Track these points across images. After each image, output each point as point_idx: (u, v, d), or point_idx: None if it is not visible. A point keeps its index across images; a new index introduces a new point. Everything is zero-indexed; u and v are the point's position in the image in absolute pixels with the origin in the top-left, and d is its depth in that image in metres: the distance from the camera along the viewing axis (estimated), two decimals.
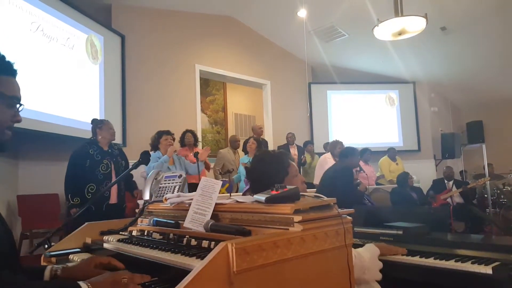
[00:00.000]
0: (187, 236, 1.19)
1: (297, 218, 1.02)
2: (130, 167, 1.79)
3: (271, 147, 6.60)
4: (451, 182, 5.80)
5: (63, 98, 4.31)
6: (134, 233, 1.44)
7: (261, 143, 5.32)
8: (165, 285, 0.99)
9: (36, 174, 4.28)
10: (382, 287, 1.44)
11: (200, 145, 5.94)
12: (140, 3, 5.57)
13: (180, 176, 1.72)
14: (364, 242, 1.56)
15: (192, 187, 3.67)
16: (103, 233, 1.56)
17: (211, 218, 1.23)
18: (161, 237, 1.30)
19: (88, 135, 3.38)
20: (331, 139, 6.18)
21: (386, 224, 1.98)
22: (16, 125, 1.07)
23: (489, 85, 7.63)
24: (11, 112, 1.03)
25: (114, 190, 3.21)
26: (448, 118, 8.54)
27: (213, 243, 1.06)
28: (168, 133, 3.95)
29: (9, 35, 3.64)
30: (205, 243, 1.09)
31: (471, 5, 5.47)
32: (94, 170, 3.10)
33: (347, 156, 3.74)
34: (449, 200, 5.53)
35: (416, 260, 1.64)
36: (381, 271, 1.45)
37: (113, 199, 3.21)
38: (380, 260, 1.49)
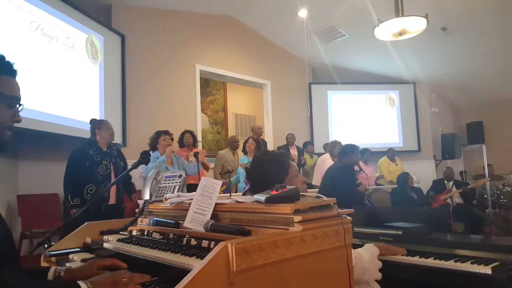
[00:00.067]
0: (187, 236, 1.19)
1: (297, 218, 1.02)
2: (130, 167, 1.78)
3: (271, 147, 6.60)
4: (451, 183, 5.80)
5: (63, 98, 4.31)
6: (134, 233, 1.44)
7: (260, 144, 5.32)
8: (165, 285, 0.99)
9: (36, 174, 4.28)
10: (382, 287, 1.44)
11: (200, 145, 5.95)
12: (140, 3, 5.57)
13: (180, 176, 1.73)
14: (363, 242, 1.57)
15: (191, 188, 3.67)
16: (103, 233, 1.56)
17: (211, 218, 1.23)
18: (161, 237, 1.30)
19: (88, 135, 3.38)
20: (331, 140, 6.18)
21: (386, 224, 1.98)
22: (16, 125, 1.07)
23: (489, 86, 7.63)
24: (11, 112, 1.03)
25: (113, 191, 3.20)
26: (448, 119, 8.54)
27: (213, 243, 1.06)
28: (166, 133, 3.94)
29: (9, 34, 3.64)
30: (205, 243, 1.09)
31: (472, 6, 5.47)
32: (94, 171, 3.09)
33: (347, 154, 3.72)
34: (449, 200, 5.53)
35: (416, 260, 1.64)
36: (380, 270, 1.45)
37: (112, 199, 3.21)
38: (379, 260, 1.49)
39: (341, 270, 1.13)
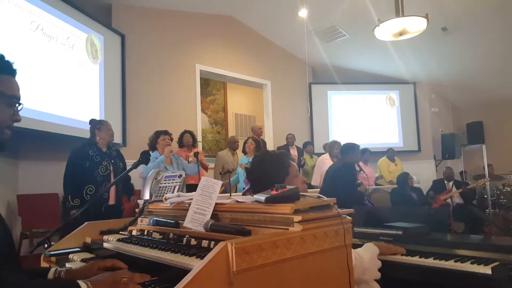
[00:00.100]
0: (187, 236, 1.19)
1: (297, 218, 1.02)
2: (130, 167, 1.78)
3: (271, 147, 6.60)
4: (451, 183, 5.80)
5: (63, 97, 4.31)
6: (134, 232, 1.44)
7: (260, 144, 5.32)
8: (165, 285, 0.99)
9: (36, 174, 4.28)
10: (382, 287, 1.44)
11: (200, 145, 5.95)
12: (141, 3, 5.57)
13: (180, 176, 1.73)
14: (363, 242, 1.57)
15: (190, 188, 3.66)
16: (103, 233, 1.56)
17: (211, 218, 1.23)
18: (161, 236, 1.30)
19: (88, 135, 3.38)
20: (331, 140, 6.18)
21: (386, 224, 1.98)
22: (16, 124, 1.07)
23: (489, 86, 7.63)
24: (10, 111, 1.03)
25: (112, 191, 3.20)
26: (448, 119, 8.54)
27: (212, 242, 1.06)
28: (166, 133, 3.94)
29: (9, 34, 3.64)
30: (204, 243, 1.09)
31: (472, 6, 5.47)
32: (94, 172, 3.08)
33: (347, 153, 3.71)
34: (449, 200, 5.53)
35: (416, 260, 1.64)
36: (380, 270, 1.45)
37: (112, 200, 3.20)
38: (379, 260, 1.49)
39: (341, 270, 1.13)
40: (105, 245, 1.39)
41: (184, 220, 1.29)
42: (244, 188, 4.04)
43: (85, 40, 4.75)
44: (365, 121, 7.94)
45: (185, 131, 4.97)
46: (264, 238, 0.95)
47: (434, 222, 2.00)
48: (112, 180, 3.14)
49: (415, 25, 4.06)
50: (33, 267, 1.11)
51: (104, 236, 1.48)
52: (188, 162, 4.15)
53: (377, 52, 6.85)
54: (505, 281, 1.42)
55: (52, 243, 1.52)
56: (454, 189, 5.65)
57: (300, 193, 1.15)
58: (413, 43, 5.87)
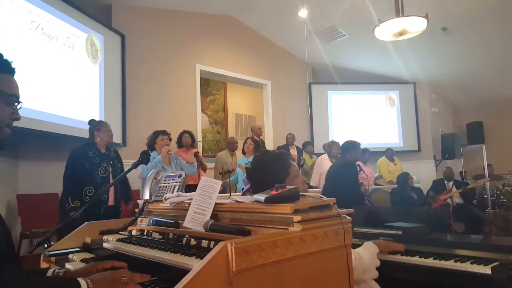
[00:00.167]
0: (186, 236, 1.19)
1: (297, 218, 1.02)
2: (130, 166, 1.78)
3: (271, 147, 6.60)
4: (451, 183, 5.80)
5: (63, 97, 4.31)
6: (133, 232, 1.44)
7: (259, 144, 5.32)
8: (165, 285, 0.99)
9: (36, 174, 4.28)
10: (382, 287, 1.44)
11: (200, 145, 5.94)
12: (141, 2, 5.57)
13: (180, 176, 1.73)
14: (363, 242, 1.56)
15: (188, 188, 3.66)
16: (103, 233, 1.56)
17: (210, 218, 1.23)
18: (160, 236, 1.30)
19: (88, 135, 3.37)
20: (330, 140, 6.18)
21: (386, 224, 1.98)
22: (16, 124, 1.07)
23: (489, 86, 7.63)
24: (10, 110, 1.03)
25: (111, 192, 3.19)
26: (448, 119, 8.54)
27: (212, 242, 1.06)
28: (164, 133, 3.93)
29: (8, 34, 3.64)
30: (204, 243, 1.09)
31: (472, 6, 5.47)
32: (93, 173, 3.07)
33: (348, 150, 3.70)
34: (449, 200, 5.53)
35: (416, 260, 1.64)
36: (379, 269, 1.45)
37: (111, 201, 3.20)
38: (379, 259, 1.49)
39: (340, 270, 1.13)
40: (105, 245, 1.39)
41: (184, 220, 1.29)
42: (243, 188, 4.04)
43: (85, 40, 4.75)
44: (365, 121, 7.94)
45: (184, 131, 4.97)
46: (264, 238, 0.95)
47: (434, 222, 2.00)
48: (111, 181, 3.14)
49: (415, 25, 4.06)
50: (31, 268, 1.11)
51: (104, 236, 1.48)
52: (189, 163, 4.15)
53: (377, 52, 6.85)
54: (505, 281, 1.43)
55: (52, 243, 1.52)
56: (454, 189, 5.65)
57: (300, 193, 1.15)
58: (413, 43, 5.87)
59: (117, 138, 4.97)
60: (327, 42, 6.91)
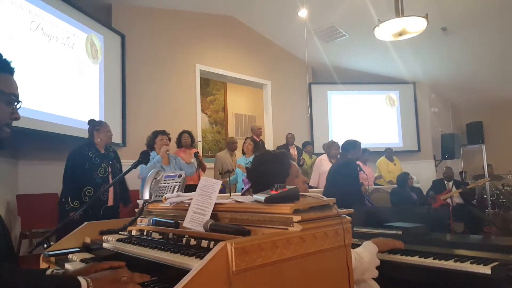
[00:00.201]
0: (186, 236, 1.19)
1: (297, 218, 1.02)
2: (130, 167, 1.78)
3: (271, 147, 6.60)
4: (450, 183, 5.80)
5: (62, 97, 4.31)
6: (133, 232, 1.44)
7: (258, 144, 5.32)
8: (164, 285, 0.99)
9: (36, 174, 4.27)
10: (382, 287, 1.44)
11: (200, 145, 5.94)
12: (141, 2, 5.57)
13: (179, 176, 1.73)
14: (362, 242, 1.56)
15: (187, 189, 3.65)
16: (103, 233, 1.55)
17: (210, 218, 1.23)
18: (160, 236, 1.30)
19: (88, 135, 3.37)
20: (329, 140, 6.18)
21: (386, 224, 1.98)
22: (16, 124, 1.07)
23: (489, 86, 7.63)
24: (9, 110, 1.03)
25: (110, 193, 3.19)
26: (448, 119, 8.54)
27: (212, 242, 1.06)
28: (163, 133, 3.93)
29: (8, 34, 3.63)
30: (204, 243, 1.09)
31: (472, 6, 5.47)
32: (93, 174, 3.07)
33: (348, 150, 3.70)
34: (448, 200, 5.53)
35: (415, 260, 1.64)
36: (379, 268, 1.45)
37: (110, 201, 3.20)
38: (379, 259, 1.49)
39: (340, 270, 1.13)
40: (105, 245, 1.39)
41: (183, 220, 1.29)
42: (242, 188, 4.03)
43: (85, 40, 4.75)
44: (365, 121, 7.94)
45: (184, 131, 4.96)
46: (264, 238, 0.95)
47: (434, 222, 2.00)
48: (111, 181, 3.14)
49: (415, 25, 4.06)
50: (29, 269, 1.11)
51: (104, 236, 1.48)
52: (189, 163, 4.15)
53: (377, 52, 6.85)
54: (505, 281, 1.43)
55: (52, 243, 1.52)
56: (454, 189, 5.66)
57: (300, 193, 1.15)
58: (413, 43, 5.87)
59: (117, 138, 4.97)
60: (327, 42, 6.92)
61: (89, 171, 3.06)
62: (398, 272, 1.66)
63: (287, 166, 1.49)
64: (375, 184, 5.81)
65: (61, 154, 3.66)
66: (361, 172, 4.48)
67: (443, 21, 5.79)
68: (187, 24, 6.08)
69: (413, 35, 4.25)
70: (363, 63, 7.65)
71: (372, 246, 1.51)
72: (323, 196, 1.18)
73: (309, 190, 3.24)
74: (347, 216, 1.18)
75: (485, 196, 6.08)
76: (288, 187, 1.12)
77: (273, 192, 1.11)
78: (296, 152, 6.00)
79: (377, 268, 1.44)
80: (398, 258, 1.70)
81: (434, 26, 5.46)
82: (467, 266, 1.50)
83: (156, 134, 3.92)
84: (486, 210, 5.93)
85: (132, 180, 3.87)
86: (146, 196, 1.68)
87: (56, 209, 4.21)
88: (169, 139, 4.01)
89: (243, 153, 5.22)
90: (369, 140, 7.30)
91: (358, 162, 4.12)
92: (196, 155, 4.65)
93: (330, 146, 5.09)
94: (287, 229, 1.03)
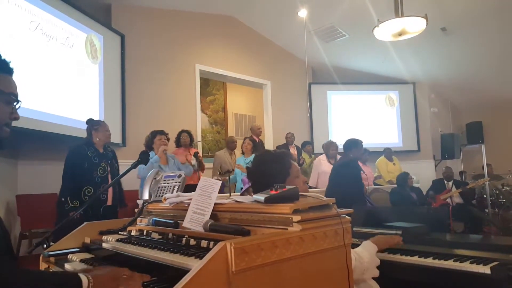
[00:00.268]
0: (186, 236, 1.19)
1: (296, 218, 1.02)
2: (129, 167, 1.78)
3: (271, 147, 6.60)
4: (450, 183, 5.81)
5: (62, 97, 4.31)
6: (133, 232, 1.44)
7: (257, 144, 5.31)
8: (164, 285, 0.99)
9: (36, 174, 4.27)
10: (382, 287, 1.44)
11: (199, 145, 5.94)
12: (140, 2, 5.57)
13: (179, 176, 1.73)
14: (362, 242, 1.56)
15: (187, 189, 3.65)
16: (102, 233, 1.55)
17: (210, 218, 1.23)
18: (160, 237, 1.30)
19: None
20: (328, 140, 6.17)
21: (386, 224, 1.98)
22: (15, 124, 1.07)
23: (489, 86, 7.64)
24: (9, 109, 1.03)
25: (109, 192, 3.19)
26: (448, 119, 8.54)
27: (212, 243, 1.06)
28: (162, 132, 3.92)
29: (8, 33, 3.63)
30: (204, 243, 1.09)
31: (472, 6, 5.47)
32: (92, 173, 3.07)
33: (350, 149, 3.69)
34: (448, 200, 5.53)
35: (415, 260, 1.64)
36: (379, 268, 1.45)
37: (109, 201, 3.20)
38: (379, 259, 1.49)
39: (340, 270, 1.13)
40: (104, 245, 1.39)
41: (183, 220, 1.29)
42: (241, 188, 4.03)
43: (85, 40, 4.75)
44: (365, 121, 7.94)
45: (183, 131, 4.94)
46: (263, 238, 0.95)
47: (434, 222, 2.00)
48: (110, 181, 3.14)
49: (414, 25, 4.06)
50: (30, 269, 1.10)
51: (103, 236, 1.48)
52: (192, 165, 4.15)
53: (377, 52, 6.85)
54: (504, 280, 1.43)
55: (51, 243, 1.52)
56: (453, 189, 5.66)
57: (300, 193, 1.15)
58: (412, 43, 5.87)
59: (116, 138, 4.96)
60: (326, 42, 6.92)
61: (88, 170, 3.06)
62: (398, 272, 1.66)
63: (288, 166, 1.48)
64: (375, 184, 5.81)
65: (60, 154, 3.66)
66: (361, 172, 4.48)
67: (443, 21, 5.79)
68: (187, 24, 6.08)
69: (412, 35, 4.25)
70: (363, 63, 7.65)
71: (371, 245, 1.51)
72: (322, 196, 1.18)
73: (310, 189, 3.24)
74: (346, 216, 1.18)
75: (484, 196, 6.08)
76: (287, 187, 1.12)
77: (273, 192, 1.11)
78: (296, 152, 6.01)
79: (377, 268, 1.44)
80: (398, 258, 1.70)
81: (434, 26, 5.46)
82: (467, 266, 1.50)
83: (154, 134, 3.91)
84: (485, 210, 5.93)
85: (131, 180, 3.87)
86: (146, 196, 1.68)
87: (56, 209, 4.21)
88: (168, 139, 4.01)
89: (242, 153, 5.22)
90: (368, 140, 7.29)
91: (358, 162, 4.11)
92: (196, 155, 4.64)
93: (328, 146, 5.09)
94: (287, 229, 1.03)
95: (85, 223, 1.65)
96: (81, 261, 1.39)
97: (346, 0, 5.58)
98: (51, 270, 1.12)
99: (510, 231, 5.40)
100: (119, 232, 1.53)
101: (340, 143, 4.73)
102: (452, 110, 8.72)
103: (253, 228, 1.10)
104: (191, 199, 1.33)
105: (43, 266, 1.49)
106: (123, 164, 3.49)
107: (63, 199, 3.02)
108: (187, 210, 1.30)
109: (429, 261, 1.60)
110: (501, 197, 6.13)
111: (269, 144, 6.90)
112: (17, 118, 1.05)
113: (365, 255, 1.43)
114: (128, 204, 3.57)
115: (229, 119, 8.71)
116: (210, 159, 5.83)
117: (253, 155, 4.63)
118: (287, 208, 1.04)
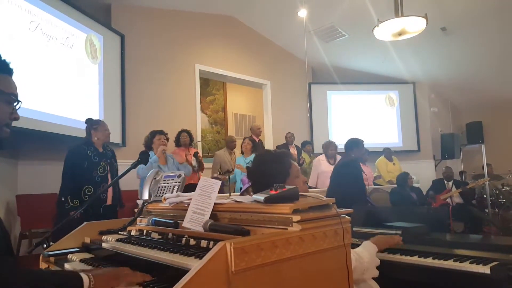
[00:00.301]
0: (185, 236, 1.19)
1: (296, 218, 1.02)
2: (129, 167, 1.78)
3: (271, 147, 6.60)
4: (450, 183, 5.81)
5: (62, 97, 4.31)
6: (133, 232, 1.44)
7: (257, 144, 5.31)
8: (164, 285, 0.99)
9: (35, 174, 4.27)
10: (382, 287, 1.44)
11: (199, 145, 5.94)
12: (140, 2, 5.57)
13: (179, 176, 1.72)
14: (362, 242, 1.56)
15: (187, 188, 3.64)
16: (102, 233, 1.55)
17: (210, 218, 1.23)
18: (160, 236, 1.30)
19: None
20: (327, 140, 6.17)
21: (386, 224, 1.98)
22: (15, 124, 1.07)
23: (489, 86, 7.64)
24: (9, 110, 1.03)
25: (109, 192, 3.19)
26: (448, 119, 8.54)
27: (211, 242, 1.06)
28: (161, 132, 3.92)
29: (8, 34, 3.63)
30: (203, 243, 1.09)
31: (472, 6, 5.47)
32: (92, 172, 3.07)
33: (351, 149, 3.68)
34: (448, 200, 5.53)
35: (415, 260, 1.64)
36: (378, 268, 1.45)
37: (109, 200, 3.20)
38: (379, 259, 1.49)
39: (340, 270, 1.13)
40: (104, 245, 1.39)
41: (183, 220, 1.29)
42: (241, 188, 4.02)
43: (85, 40, 4.75)
44: (365, 121, 7.94)
45: (182, 130, 4.94)
46: (263, 238, 0.95)
47: (434, 222, 2.00)
48: (109, 181, 3.14)
49: (414, 25, 4.06)
50: (30, 269, 1.11)
51: (103, 236, 1.48)
52: (192, 166, 4.14)
53: (377, 52, 6.85)
54: (504, 280, 1.43)
55: (51, 243, 1.52)
56: (453, 188, 5.66)
57: (300, 193, 1.15)
58: (412, 43, 5.87)
59: (116, 138, 4.97)
60: (326, 42, 6.92)
61: (88, 169, 3.06)
62: (398, 272, 1.66)
63: (288, 166, 1.48)
64: (375, 184, 5.81)
65: (60, 154, 3.65)
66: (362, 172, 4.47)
67: (443, 21, 5.79)
68: (187, 24, 6.08)
69: (412, 35, 4.25)
70: (362, 63, 7.65)
71: (371, 245, 1.51)
72: (322, 196, 1.18)
73: (310, 189, 3.24)
74: (346, 216, 1.18)
75: (484, 196, 6.08)
76: (287, 187, 1.12)
77: (273, 192, 1.11)
78: (295, 152, 6.01)
79: (377, 268, 1.44)
80: (398, 258, 1.70)
81: (434, 26, 5.46)
82: (467, 266, 1.50)
83: (154, 134, 3.91)
84: (485, 209, 5.94)
85: (131, 180, 3.87)
86: (146, 196, 1.68)
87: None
88: (167, 139, 4.01)
89: (242, 153, 5.22)
90: (368, 140, 7.26)
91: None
92: (196, 155, 4.64)
93: (327, 146, 5.09)
94: (287, 229, 1.03)
95: (85, 223, 1.65)
96: (81, 261, 1.39)
97: (346, 0, 5.58)
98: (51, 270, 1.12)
99: (510, 231, 5.40)
100: (119, 232, 1.53)
101: (340, 143, 4.73)
102: (452, 110, 8.72)
103: (253, 228, 1.10)
104: (191, 199, 1.33)
105: (43, 266, 1.49)
106: (123, 164, 3.49)
107: (63, 199, 3.02)
108: (187, 210, 1.30)
109: (429, 261, 1.60)
110: (501, 197, 6.13)
111: (269, 144, 6.90)
112: (17, 118, 1.05)
113: (365, 255, 1.43)
114: (127, 204, 3.56)
115: (229, 119, 8.71)
116: (210, 159, 5.83)
117: (252, 155, 4.64)
118: (287, 208, 1.04)
